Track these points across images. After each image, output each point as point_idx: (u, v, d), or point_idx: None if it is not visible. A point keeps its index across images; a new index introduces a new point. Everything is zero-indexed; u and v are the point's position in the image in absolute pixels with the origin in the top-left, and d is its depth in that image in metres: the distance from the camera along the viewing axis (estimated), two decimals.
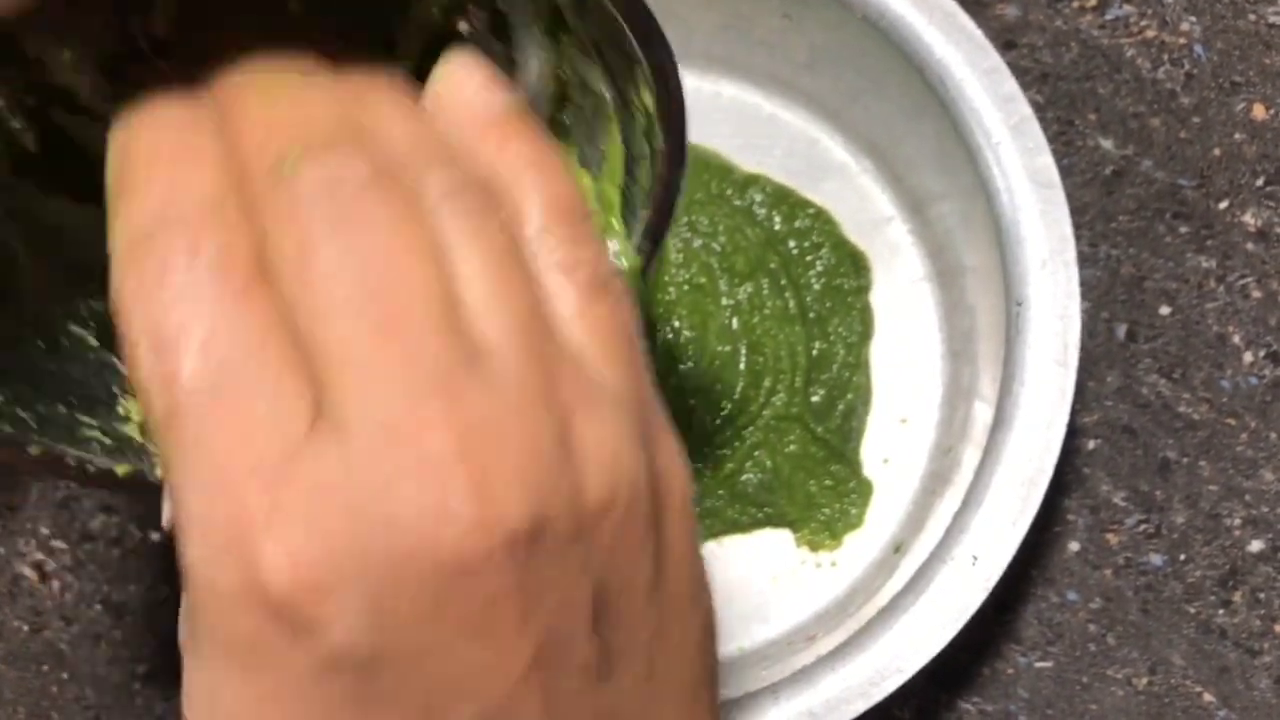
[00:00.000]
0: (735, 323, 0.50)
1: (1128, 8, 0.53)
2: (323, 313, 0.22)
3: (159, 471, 0.27)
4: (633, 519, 0.24)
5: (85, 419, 0.29)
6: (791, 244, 0.51)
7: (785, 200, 0.51)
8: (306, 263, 0.22)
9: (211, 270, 0.22)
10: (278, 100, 0.24)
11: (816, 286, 0.50)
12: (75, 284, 0.29)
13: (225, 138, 0.23)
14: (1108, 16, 0.53)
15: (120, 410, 0.29)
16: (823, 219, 0.51)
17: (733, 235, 0.50)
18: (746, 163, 0.51)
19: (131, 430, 0.29)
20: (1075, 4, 0.53)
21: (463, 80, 0.26)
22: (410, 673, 0.22)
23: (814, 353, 0.50)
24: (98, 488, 0.30)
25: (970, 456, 0.46)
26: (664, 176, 0.28)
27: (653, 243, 0.29)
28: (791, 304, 0.50)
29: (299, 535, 0.21)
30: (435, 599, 0.22)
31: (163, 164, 0.23)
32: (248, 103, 0.24)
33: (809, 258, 0.50)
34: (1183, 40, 0.52)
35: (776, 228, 0.51)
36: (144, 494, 0.29)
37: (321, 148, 0.23)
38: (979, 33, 0.44)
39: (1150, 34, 0.53)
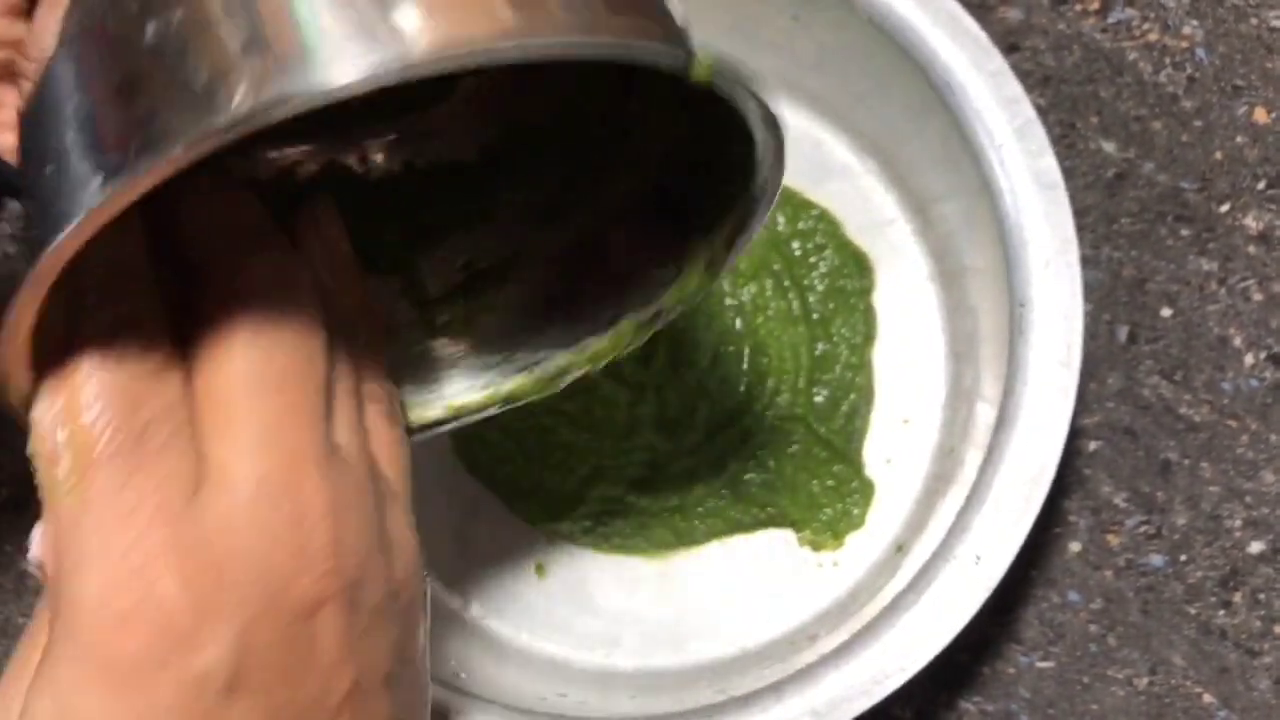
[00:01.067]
0: (739, 323, 0.50)
1: (1130, 11, 0.53)
2: (225, 388, 0.27)
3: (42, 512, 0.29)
4: (417, 591, 0.31)
5: None
6: (795, 245, 0.51)
7: (789, 202, 0.51)
8: (219, 350, 0.27)
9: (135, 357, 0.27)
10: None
11: (820, 287, 0.51)
12: None
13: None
14: (1110, 20, 0.53)
15: None
16: (826, 220, 0.51)
17: None
18: None
19: None
20: (1078, 7, 0.53)
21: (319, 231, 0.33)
22: (259, 699, 0.26)
23: (817, 353, 0.50)
24: None
25: (972, 457, 0.47)
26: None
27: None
28: (795, 305, 0.50)
29: (192, 565, 0.26)
30: (286, 633, 0.27)
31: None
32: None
33: (812, 259, 0.51)
34: (1185, 44, 0.53)
35: (780, 229, 0.51)
36: None
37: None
38: (983, 35, 0.44)
39: (1152, 37, 0.53)
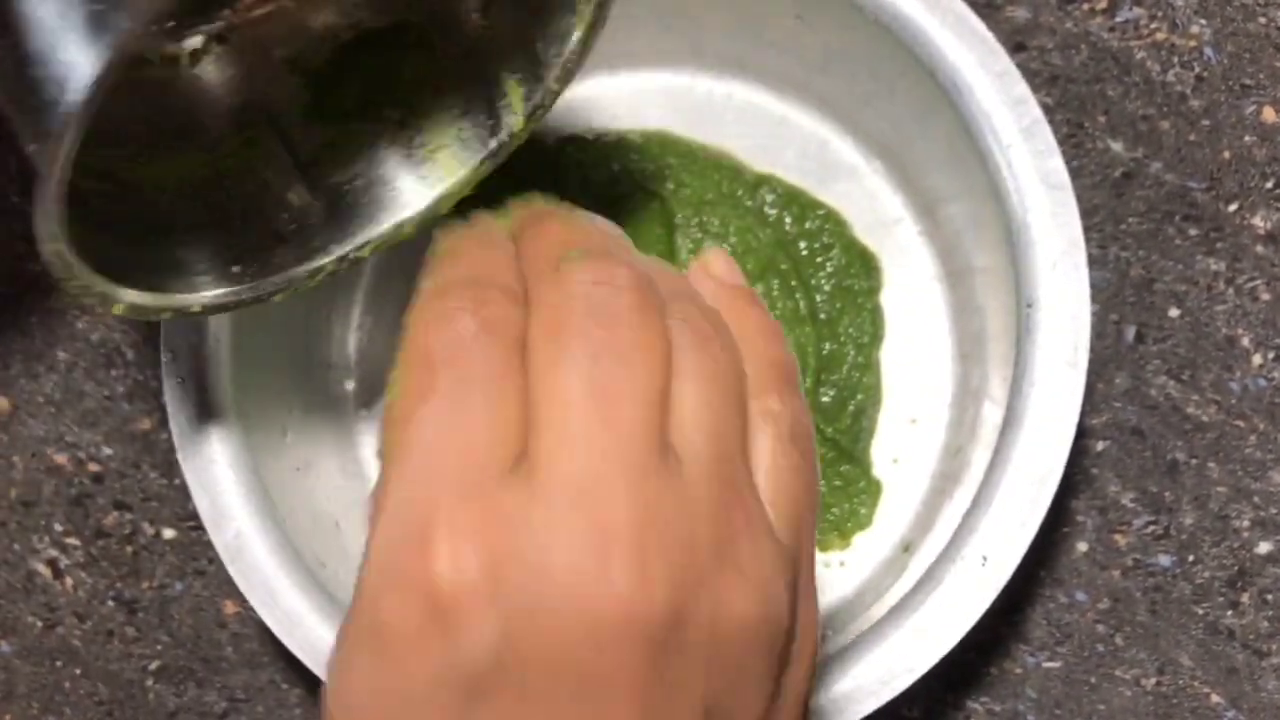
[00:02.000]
0: None
1: (1138, 10, 0.53)
2: (554, 375, 0.25)
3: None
4: (762, 651, 0.26)
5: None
6: (802, 245, 0.51)
7: (796, 201, 0.51)
8: (557, 336, 0.26)
9: (485, 322, 0.26)
10: (572, 226, 0.30)
11: (827, 287, 0.50)
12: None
13: (523, 244, 0.29)
14: (1118, 19, 0.53)
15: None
16: (833, 220, 0.51)
17: (744, 236, 0.50)
18: (757, 163, 0.52)
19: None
20: (1085, 6, 0.53)
21: (716, 258, 0.32)
22: (510, 708, 0.24)
23: (824, 353, 0.50)
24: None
25: (980, 457, 0.47)
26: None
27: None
28: (802, 305, 0.50)
29: (472, 546, 0.24)
30: (562, 648, 0.24)
31: (474, 248, 0.30)
32: (549, 224, 0.30)
33: (819, 259, 0.51)
34: (1193, 43, 0.53)
35: (787, 229, 0.51)
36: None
37: (598, 255, 0.28)
38: (990, 35, 0.44)
39: (1160, 36, 0.53)
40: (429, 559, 0.24)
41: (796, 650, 0.27)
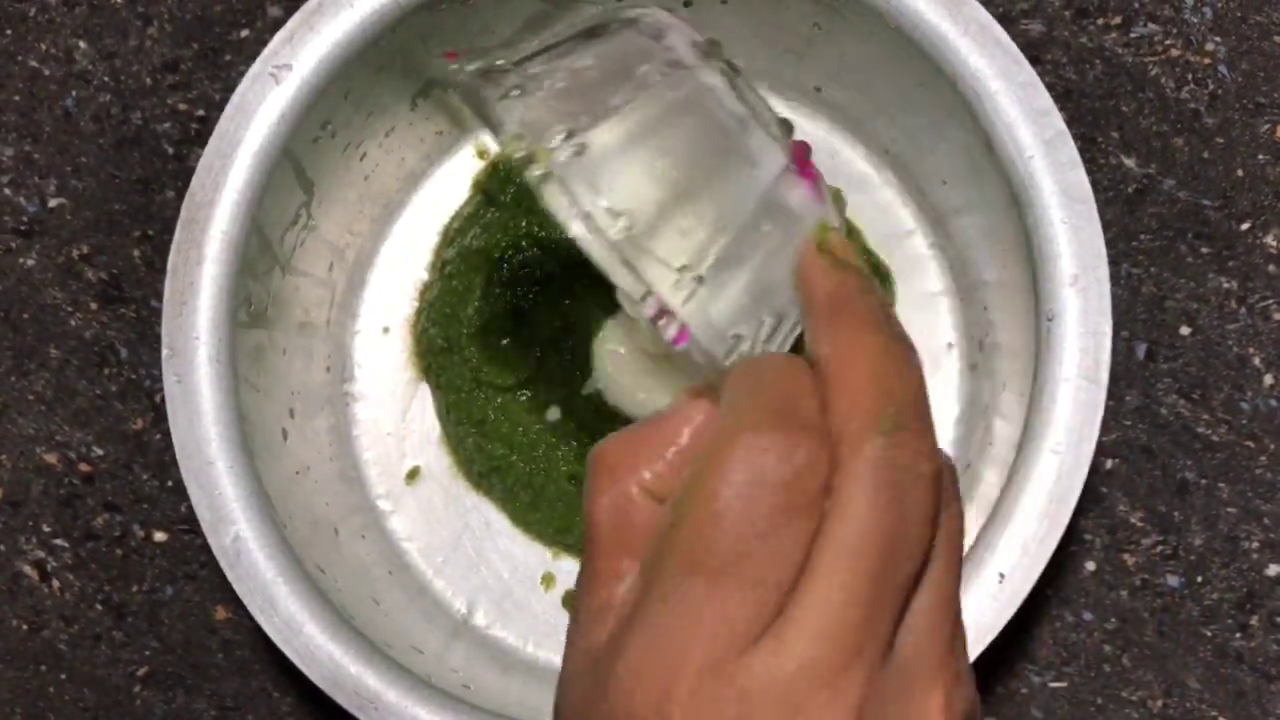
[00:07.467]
0: None
1: (1152, 26, 0.53)
2: (828, 545, 0.26)
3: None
4: None
5: None
6: None
7: None
8: (844, 504, 0.26)
9: (788, 473, 0.26)
10: (883, 372, 0.28)
11: None
12: None
13: (829, 380, 0.28)
14: (1132, 35, 0.52)
15: None
16: (848, 227, 0.50)
17: None
18: None
19: None
20: (1100, 21, 0.52)
21: (838, 239, 0.32)
22: None
23: None
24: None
25: (991, 474, 0.46)
26: None
27: None
28: None
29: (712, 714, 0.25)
30: None
31: (781, 377, 0.28)
32: (858, 362, 0.28)
33: None
34: (1207, 60, 0.52)
35: None
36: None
37: (905, 430, 0.27)
38: (1013, 46, 0.43)
39: (1175, 53, 0.52)
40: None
41: None
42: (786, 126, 0.34)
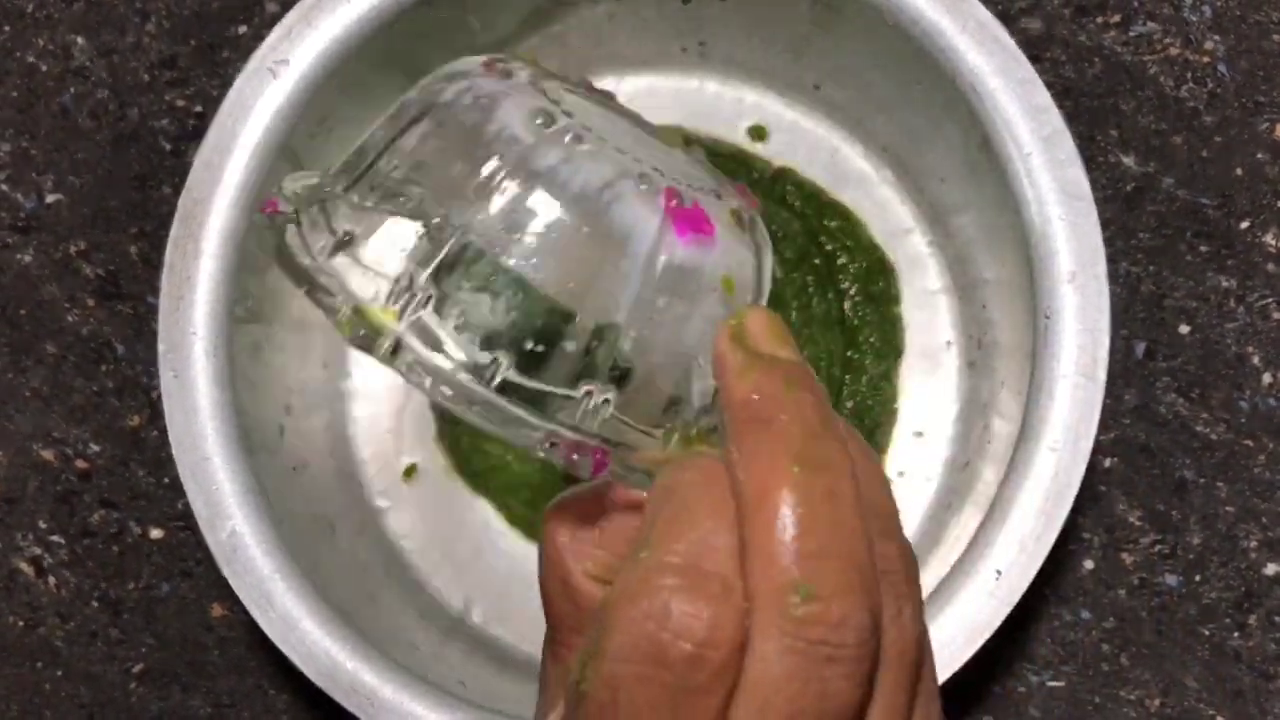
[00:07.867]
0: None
1: (1152, 25, 0.52)
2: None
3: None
4: None
5: None
6: (824, 240, 0.50)
7: (814, 199, 0.50)
8: (754, 681, 0.24)
9: (689, 650, 0.24)
10: (798, 522, 0.25)
11: (854, 292, 0.50)
12: None
13: (744, 517, 0.25)
14: (1131, 33, 0.52)
15: None
16: (852, 221, 0.50)
17: (775, 217, 0.49)
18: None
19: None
20: (1099, 19, 0.52)
21: (756, 318, 0.28)
22: None
23: (849, 359, 0.49)
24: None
25: (989, 472, 0.46)
26: None
27: None
28: (833, 308, 0.49)
29: None
30: None
31: (699, 506, 0.25)
32: (771, 502, 0.25)
33: (841, 260, 0.50)
34: (1206, 59, 0.52)
35: (812, 222, 0.50)
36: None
37: (820, 601, 0.24)
38: (1012, 43, 0.43)
39: (1174, 52, 0.52)
40: None
41: None
42: (606, 95, 0.30)
